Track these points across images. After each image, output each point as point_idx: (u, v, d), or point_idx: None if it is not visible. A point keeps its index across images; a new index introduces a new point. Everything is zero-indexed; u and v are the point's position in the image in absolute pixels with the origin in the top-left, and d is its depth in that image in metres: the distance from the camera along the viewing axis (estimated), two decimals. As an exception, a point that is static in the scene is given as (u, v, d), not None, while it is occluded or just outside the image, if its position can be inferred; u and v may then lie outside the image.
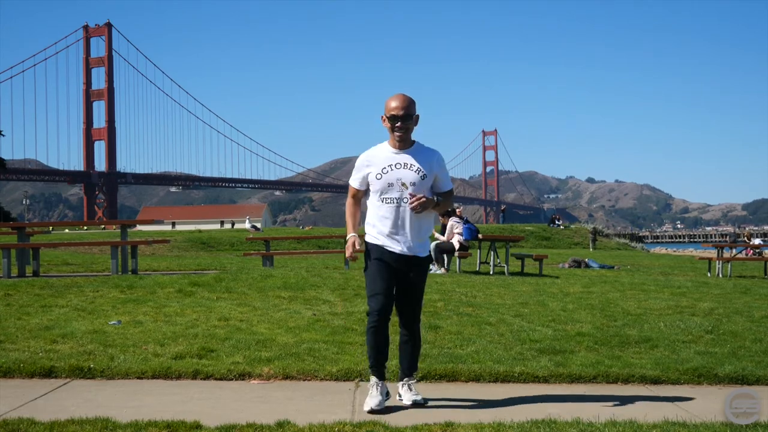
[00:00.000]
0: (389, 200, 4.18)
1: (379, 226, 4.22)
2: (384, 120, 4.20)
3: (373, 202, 4.27)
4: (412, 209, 4.12)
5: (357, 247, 4.29)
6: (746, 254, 18.58)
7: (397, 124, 4.14)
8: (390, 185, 4.16)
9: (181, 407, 4.06)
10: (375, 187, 4.21)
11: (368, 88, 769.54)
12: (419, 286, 4.31)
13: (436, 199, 4.23)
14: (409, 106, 4.16)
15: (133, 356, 5.18)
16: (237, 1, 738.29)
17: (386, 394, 4.19)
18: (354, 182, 4.32)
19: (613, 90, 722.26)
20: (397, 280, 4.22)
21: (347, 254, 4.30)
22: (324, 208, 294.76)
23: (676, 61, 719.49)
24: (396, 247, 4.19)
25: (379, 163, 4.20)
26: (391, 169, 4.17)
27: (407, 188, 4.15)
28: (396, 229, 4.19)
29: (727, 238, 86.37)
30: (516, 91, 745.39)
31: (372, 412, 4.04)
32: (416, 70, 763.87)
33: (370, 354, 4.22)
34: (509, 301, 8.25)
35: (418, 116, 4.21)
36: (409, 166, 4.18)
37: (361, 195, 4.35)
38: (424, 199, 4.11)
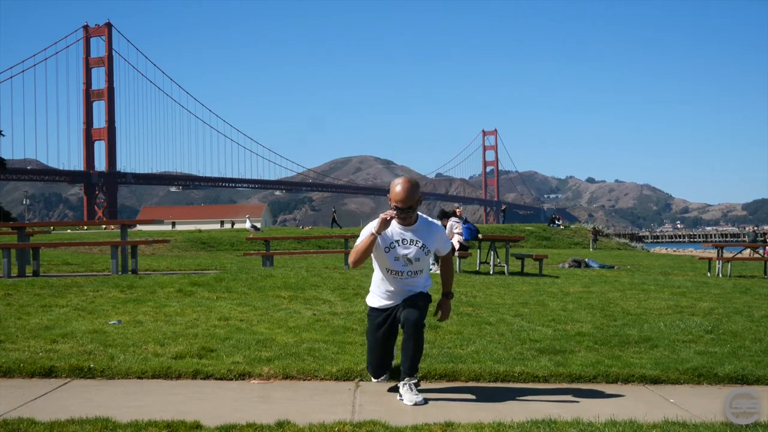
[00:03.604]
0: (393, 272, 4.48)
1: (382, 294, 4.57)
2: (389, 201, 4.42)
3: (378, 271, 4.59)
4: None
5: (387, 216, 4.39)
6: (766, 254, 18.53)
7: (401, 215, 4.39)
8: (396, 259, 4.46)
9: (181, 407, 4.06)
10: (381, 259, 4.51)
11: (369, 88, 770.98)
12: (420, 299, 4.49)
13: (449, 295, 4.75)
14: (411, 197, 4.35)
15: (133, 356, 5.18)
16: (237, 1, 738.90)
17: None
18: None
19: (613, 90, 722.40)
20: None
21: (382, 219, 4.35)
22: (324, 208, 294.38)
23: (676, 61, 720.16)
24: (397, 304, 4.55)
25: (386, 238, 4.45)
26: (398, 245, 4.45)
27: (411, 263, 4.45)
28: (398, 296, 4.52)
29: (746, 239, 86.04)
30: (516, 91, 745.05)
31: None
32: (417, 70, 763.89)
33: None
34: (509, 301, 8.25)
35: (420, 198, 4.43)
36: (414, 242, 4.46)
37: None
38: (448, 311, 4.75)
